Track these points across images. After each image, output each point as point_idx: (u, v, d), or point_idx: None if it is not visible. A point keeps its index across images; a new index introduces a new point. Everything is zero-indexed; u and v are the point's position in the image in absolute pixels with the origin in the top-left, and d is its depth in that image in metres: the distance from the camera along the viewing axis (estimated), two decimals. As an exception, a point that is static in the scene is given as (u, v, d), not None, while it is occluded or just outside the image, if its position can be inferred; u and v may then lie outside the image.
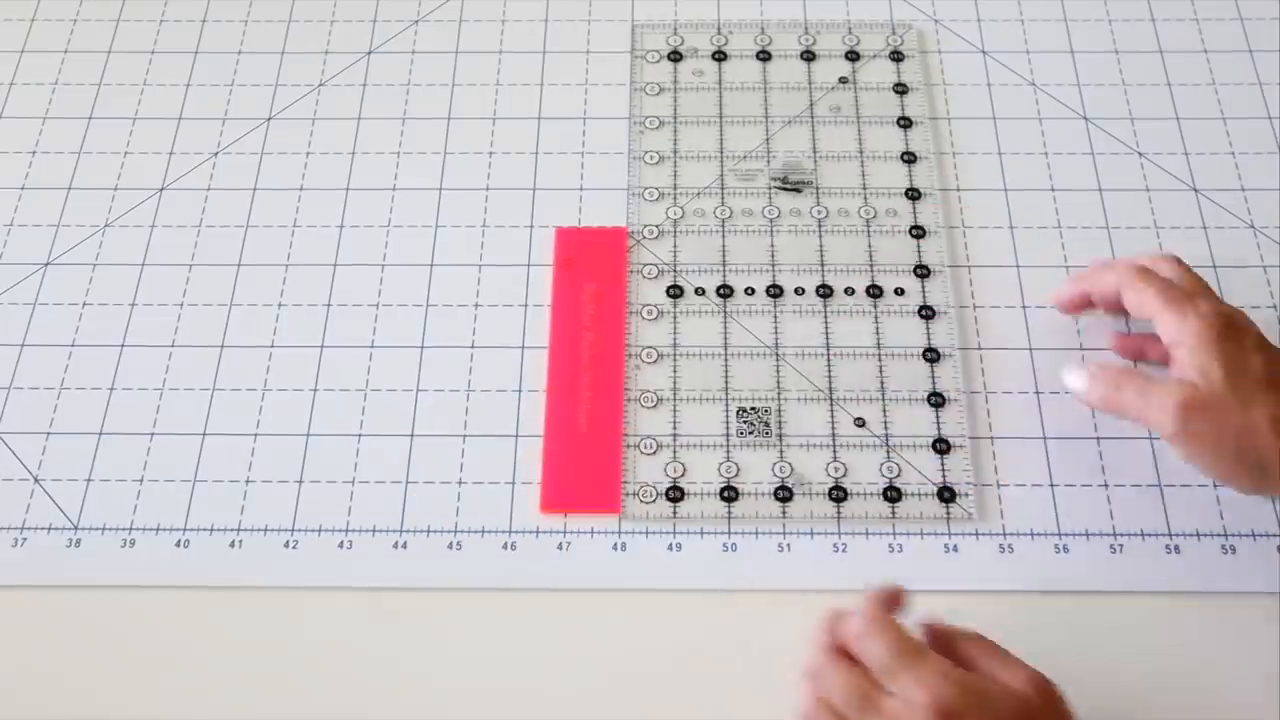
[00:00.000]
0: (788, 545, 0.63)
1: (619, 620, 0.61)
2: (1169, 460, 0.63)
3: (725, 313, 0.69)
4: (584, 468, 0.64)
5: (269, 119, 0.78)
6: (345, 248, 0.73)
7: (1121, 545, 0.62)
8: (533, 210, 0.74)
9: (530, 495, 0.64)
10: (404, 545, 0.63)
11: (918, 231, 0.72)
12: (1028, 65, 0.79)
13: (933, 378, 0.67)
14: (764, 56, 0.79)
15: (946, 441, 0.65)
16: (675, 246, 0.72)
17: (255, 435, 0.66)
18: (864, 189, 0.74)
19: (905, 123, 0.76)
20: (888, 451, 0.65)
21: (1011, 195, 0.74)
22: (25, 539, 0.63)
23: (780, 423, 0.66)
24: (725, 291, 0.70)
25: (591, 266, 0.70)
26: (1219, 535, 0.62)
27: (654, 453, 0.65)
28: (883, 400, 0.67)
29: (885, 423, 0.66)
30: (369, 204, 0.74)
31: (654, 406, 0.66)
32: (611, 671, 0.60)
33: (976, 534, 0.63)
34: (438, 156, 0.76)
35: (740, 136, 0.76)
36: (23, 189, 0.75)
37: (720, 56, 0.79)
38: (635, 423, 0.66)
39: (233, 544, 0.63)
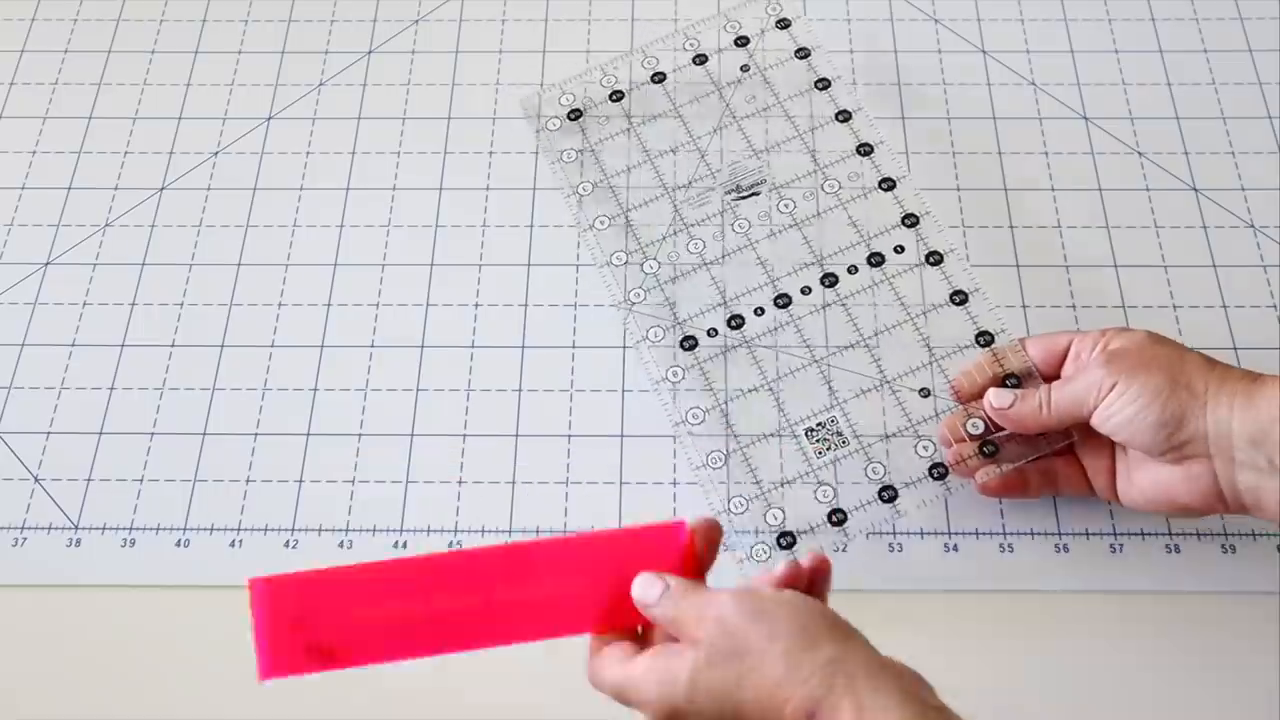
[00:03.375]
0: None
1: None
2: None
3: (747, 343, 0.67)
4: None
5: (269, 119, 0.78)
6: (345, 248, 0.73)
7: (1121, 545, 0.62)
8: (533, 210, 0.74)
9: (531, 494, 0.64)
10: (404, 545, 0.63)
11: (888, 184, 0.70)
12: (1028, 65, 0.79)
13: (971, 318, 0.65)
14: (659, 78, 0.75)
15: (1014, 375, 0.62)
16: (668, 299, 0.68)
17: (255, 435, 0.66)
18: (816, 164, 0.72)
19: (824, 84, 0.74)
20: (966, 410, 0.62)
21: (1011, 195, 0.74)
22: (25, 539, 0.64)
23: (850, 425, 0.64)
24: (736, 322, 0.67)
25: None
26: (1219, 535, 0.62)
27: (745, 510, 0.62)
28: (935, 362, 0.65)
29: (949, 382, 0.63)
30: (369, 204, 0.74)
31: (724, 465, 0.63)
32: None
33: (976, 533, 0.63)
34: (438, 156, 0.76)
35: (674, 165, 0.73)
36: (23, 189, 0.75)
37: (617, 96, 0.75)
38: (717, 489, 0.62)
39: (233, 544, 0.63)
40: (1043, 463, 0.60)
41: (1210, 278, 0.70)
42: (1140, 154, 0.75)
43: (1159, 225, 0.72)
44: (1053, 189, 0.74)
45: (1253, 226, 0.72)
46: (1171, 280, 0.70)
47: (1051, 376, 0.60)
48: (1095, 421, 0.56)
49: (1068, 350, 0.60)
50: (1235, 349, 0.68)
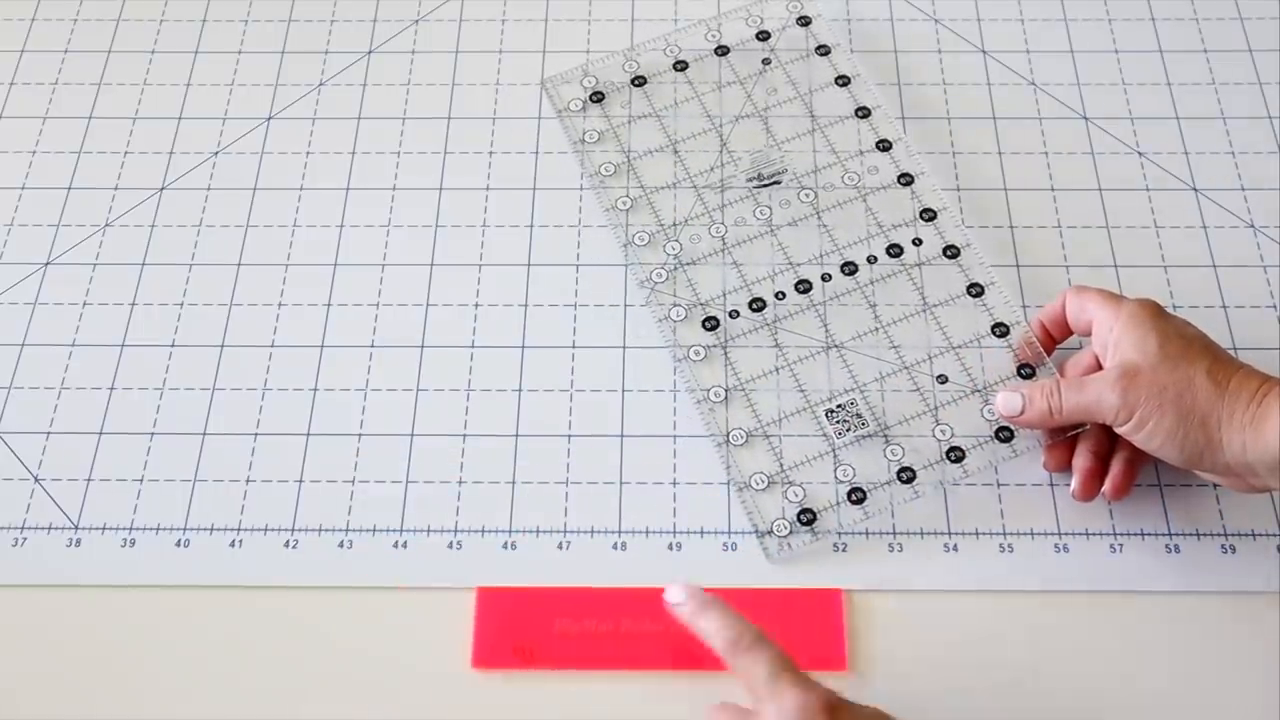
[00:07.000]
0: (788, 545, 0.62)
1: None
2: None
3: (768, 325, 0.68)
4: None
5: (269, 119, 0.78)
6: (345, 248, 0.73)
7: (1121, 545, 0.62)
8: (533, 210, 0.74)
9: (531, 494, 0.64)
10: (404, 545, 0.63)
11: (906, 179, 0.72)
12: (1028, 65, 0.79)
13: (988, 310, 0.68)
14: (681, 66, 0.78)
15: (1031, 367, 0.66)
16: (690, 280, 0.70)
17: (255, 435, 0.66)
18: (836, 157, 0.74)
19: (844, 81, 0.76)
20: (983, 396, 0.66)
21: (1011, 195, 0.74)
22: (25, 539, 0.64)
23: (870, 407, 0.66)
24: (758, 305, 0.69)
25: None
26: (1219, 535, 0.62)
27: (766, 487, 0.64)
28: (953, 350, 0.67)
29: (965, 370, 0.66)
30: (369, 204, 0.74)
31: (746, 443, 0.65)
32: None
33: (977, 533, 0.63)
34: (438, 156, 0.76)
35: (696, 150, 0.74)
36: (23, 189, 0.75)
37: (639, 81, 0.77)
38: (740, 465, 0.65)
39: (233, 544, 0.63)
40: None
41: (1210, 278, 0.70)
42: (1140, 154, 0.75)
43: (1159, 225, 0.73)
44: (1053, 189, 0.74)
45: (1253, 226, 0.72)
46: (1171, 280, 0.70)
47: (1061, 336, 0.65)
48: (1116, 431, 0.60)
49: (1064, 310, 0.63)
50: (1235, 349, 0.68)
